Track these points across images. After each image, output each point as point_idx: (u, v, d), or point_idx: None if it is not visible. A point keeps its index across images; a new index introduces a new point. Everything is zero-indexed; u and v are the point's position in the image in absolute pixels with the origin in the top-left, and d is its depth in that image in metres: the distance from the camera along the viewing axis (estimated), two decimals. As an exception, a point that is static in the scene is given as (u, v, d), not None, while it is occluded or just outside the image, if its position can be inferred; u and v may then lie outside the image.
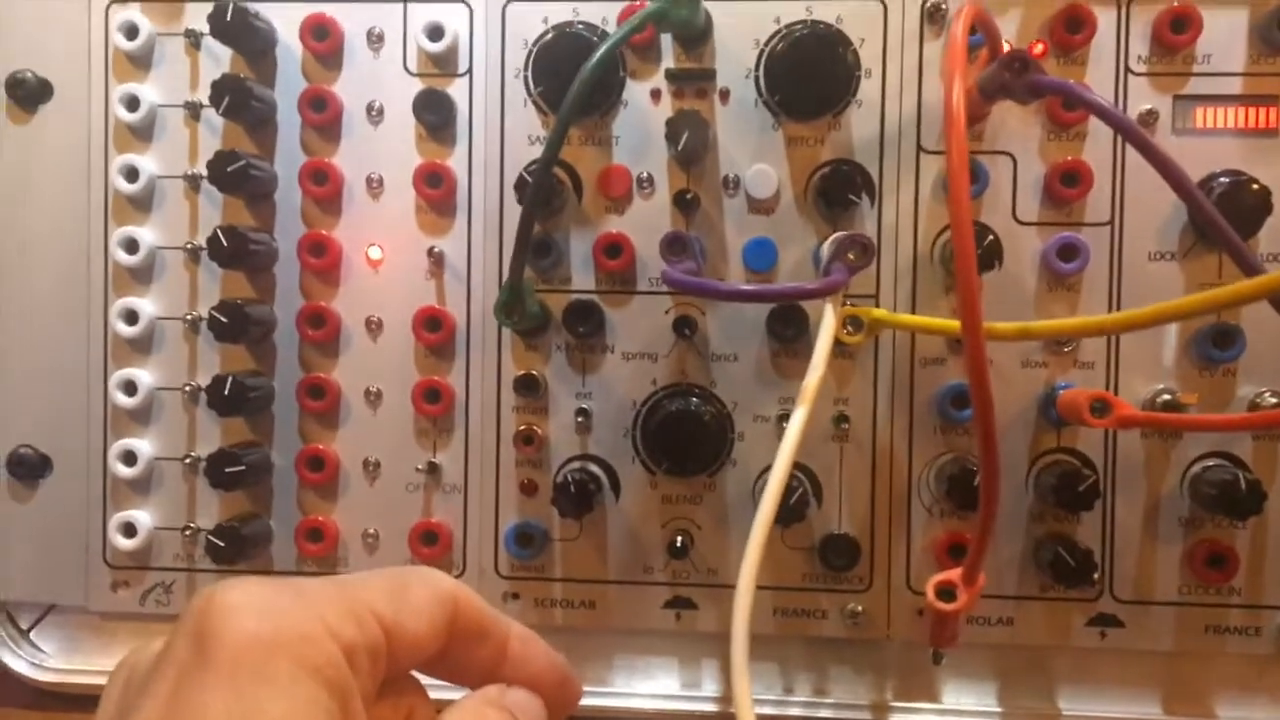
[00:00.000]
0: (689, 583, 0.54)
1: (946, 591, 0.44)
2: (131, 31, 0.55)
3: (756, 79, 0.53)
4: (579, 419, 0.54)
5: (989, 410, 0.39)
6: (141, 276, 0.56)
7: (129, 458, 0.55)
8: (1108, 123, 0.44)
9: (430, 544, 0.54)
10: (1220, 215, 0.42)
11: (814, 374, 0.44)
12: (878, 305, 0.53)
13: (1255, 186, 0.50)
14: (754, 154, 0.53)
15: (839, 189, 0.52)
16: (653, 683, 0.55)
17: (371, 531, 0.55)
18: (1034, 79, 0.45)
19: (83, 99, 0.56)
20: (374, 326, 0.55)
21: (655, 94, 0.54)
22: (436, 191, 0.54)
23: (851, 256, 0.49)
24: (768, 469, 0.52)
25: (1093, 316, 0.47)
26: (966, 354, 0.38)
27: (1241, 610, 0.52)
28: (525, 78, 0.54)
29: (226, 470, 0.53)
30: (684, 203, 0.53)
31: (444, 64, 0.54)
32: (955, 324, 0.47)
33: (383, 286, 0.55)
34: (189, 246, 0.55)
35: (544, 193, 0.50)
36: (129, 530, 0.55)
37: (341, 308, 0.55)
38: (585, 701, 0.53)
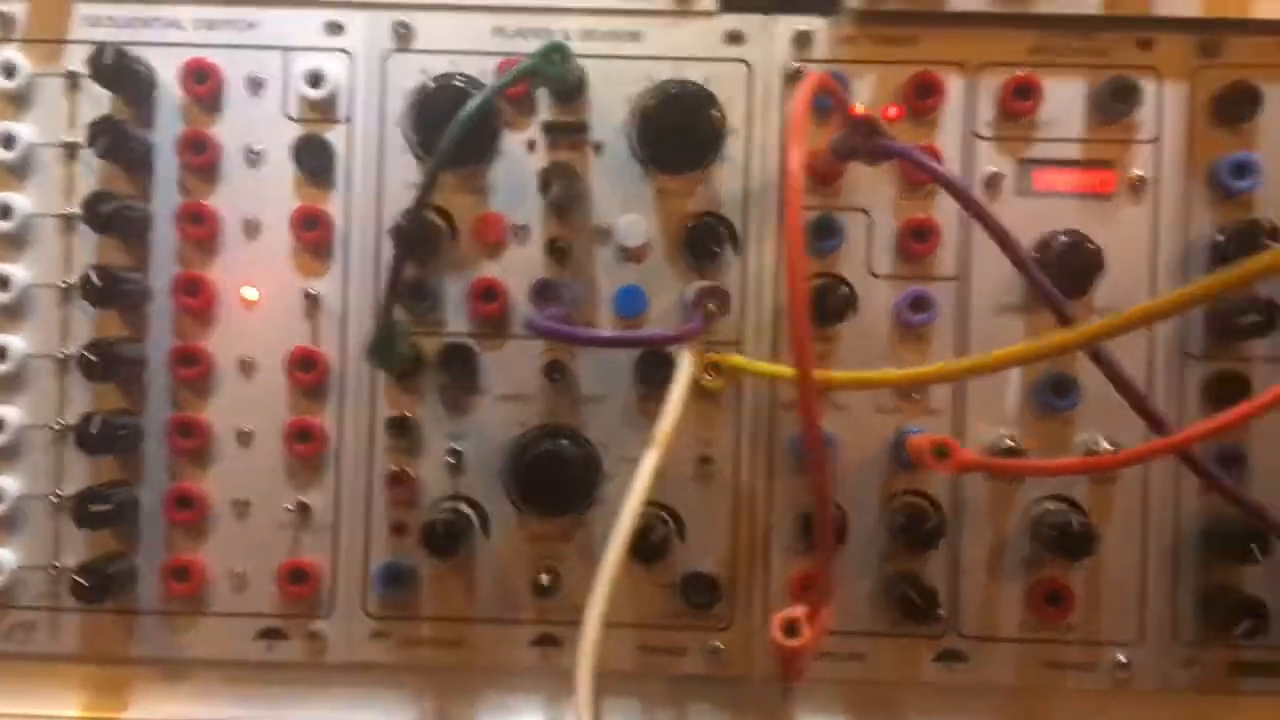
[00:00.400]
0: (555, 621, 0.55)
1: (792, 628, 0.46)
2: (9, 70, 0.55)
3: (629, 134, 0.55)
4: (450, 460, 0.55)
5: (822, 457, 0.41)
6: (14, 314, 0.56)
7: (-6, 495, 0.55)
8: (942, 185, 0.47)
9: (298, 582, 0.55)
10: (1039, 273, 0.45)
11: (667, 420, 0.46)
12: (741, 352, 0.55)
13: (1090, 246, 0.53)
14: (625, 205, 0.55)
15: (704, 240, 0.54)
16: (519, 720, 0.56)
17: (240, 570, 0.55)
18: (879, 143, 0.47)
19: (-43, 135, 0.56)
20: (247, 366, 0.55)
21: (531, 145, 0.55)
22: (313, 234, 0.55)
23: (711, 306, 0.51)
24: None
25: (920, 368, 0.49)
26: (800, 403, 0.40)
27: (1079, 646, 0.55)
28: (404, 126, 0.55)
29: (92, 509, 0.53)
30: (557, 250, 0.55)
31: (324, 110, 0.56)
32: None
33: (257, 326, 0.55)
34: (63, 285, 0.55)
35: (415, 238, 0.51)
36: (-8, 568, 0.55)
37: (215, 347, 0.55)
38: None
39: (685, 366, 0.48)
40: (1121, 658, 0.54)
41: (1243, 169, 0.53)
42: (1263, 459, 0.54)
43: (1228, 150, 0.54)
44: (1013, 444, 0.54)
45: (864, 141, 0.48)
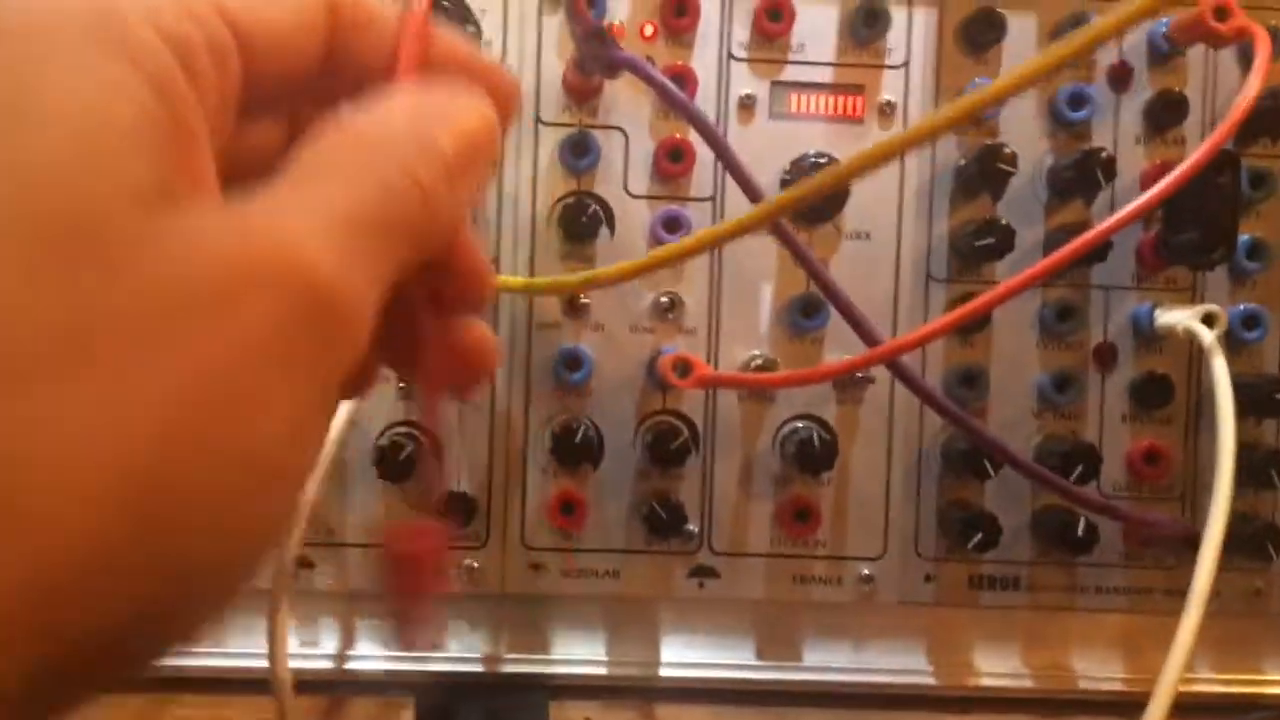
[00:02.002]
0: (307, 542, 0.54)
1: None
2: None
3: (380, 44, 0.53)
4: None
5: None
6: None
7: None
8: (664, 99, 0.47)
9: None
10: (752, 181, 0.45)
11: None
12: (498, 270, 0.55)
13: (838, 168, 0.54)
14: (378, 118, 0.54)
15: (457, 155, 0.53)
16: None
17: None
18: (609, 54, 0.47)
19: None
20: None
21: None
22: None
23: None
24: (387, 429, 0.53)
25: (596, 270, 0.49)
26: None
27: (825, 561, 0.56)
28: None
29: None
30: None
31: None
32: (536, 280, 0.50)
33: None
34: None
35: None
36: None
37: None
38: (183, 662, 0.53)
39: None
40: (866, 572, 0.56)
41: (985, 95, 0.54)
42: (1002, 381, 0.56)
43: (972, 76, 0.55)
44: (762, 363, 0.55)
45: (597, 52, 0.47)
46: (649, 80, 0.46)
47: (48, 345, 0.18)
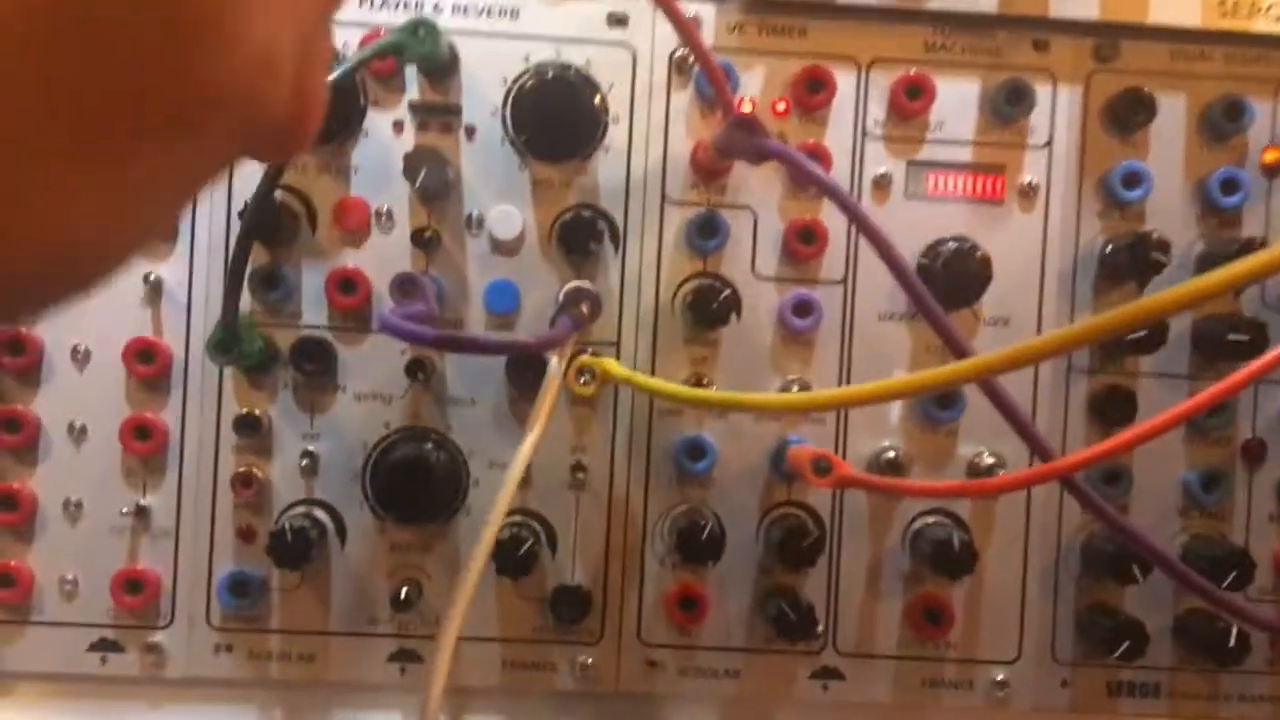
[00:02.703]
0: (415, 635, 0.52)
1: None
2: None
3: (503, 117, 0.51)
4: (304, 461, 0.51)
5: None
6: None
7: None
8: (824, 191, 0.45)
9: (135, 592, 0.51)
10: (922, 286, 0.43)
11: (531, 434, 0.43)
12: (619, 353, 0.52)
13: (979, 254, 0.51)
14: (499, 194, 0.52)
15: (581, 235, 0.51)
16: (375, 738, 0.53)
17: (70, 578, 0.51)
18: (760, 144, 0.45)
19: None
20: (80, 356, 0.51)
21: (398, 125, 0.52)
22: (157, 215, 0.50)
23: (585, 309, 0.48)
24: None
25: (764, 395, 0.47)
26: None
27: (956, 665, 0.53)
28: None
29: (-101, 510, 0.48)
30: (423, 240, 0.51)
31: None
32: (678, 389, 0.48)
33: (91, 313, 0.51)
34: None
35: (258, 223, 0.47)
36: None
37: (44, 334, 0.51)
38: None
39: (553, 377, 0.44)
40: (999, 677, 0.53)
41: (1134, 178, 0.52)
42: (1146, 477, 0.53)
43: (1119, 158, 0.52)
44: (894, 456, 0.52)
45: (744, 140, 0.45)
46: (806, 174, 0.43)
47: None
